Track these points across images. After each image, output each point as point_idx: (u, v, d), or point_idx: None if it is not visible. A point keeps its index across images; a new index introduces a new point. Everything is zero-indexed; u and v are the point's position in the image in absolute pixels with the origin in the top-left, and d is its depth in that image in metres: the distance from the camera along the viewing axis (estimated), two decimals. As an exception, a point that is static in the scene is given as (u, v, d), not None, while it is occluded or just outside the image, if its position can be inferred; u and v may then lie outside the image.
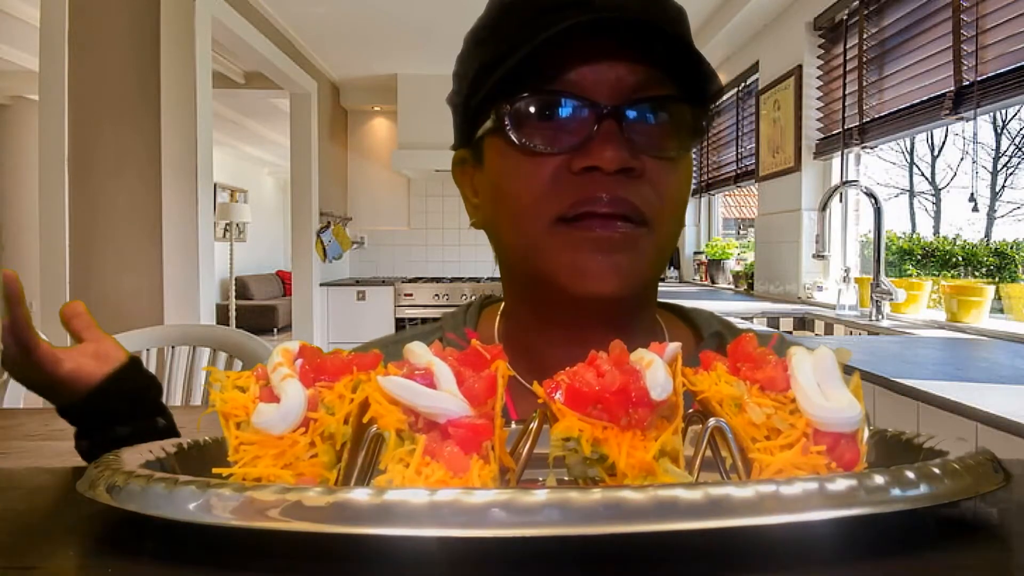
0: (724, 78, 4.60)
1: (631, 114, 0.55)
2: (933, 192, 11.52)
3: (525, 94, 0.56)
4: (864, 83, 2.94)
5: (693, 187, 5.28)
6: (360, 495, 0.31)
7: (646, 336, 0.64)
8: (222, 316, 7.31)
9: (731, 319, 0.78)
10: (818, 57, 3.37)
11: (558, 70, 0.55)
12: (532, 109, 0.56)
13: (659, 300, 0.71)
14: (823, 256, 2.61)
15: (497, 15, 0.60)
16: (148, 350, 1.86)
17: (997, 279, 3.33)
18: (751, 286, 3.99)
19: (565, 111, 0.55)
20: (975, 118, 2.29)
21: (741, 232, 8.09)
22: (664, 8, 0.59)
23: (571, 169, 0.55)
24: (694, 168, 5.18)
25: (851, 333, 2.58)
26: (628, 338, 0.48)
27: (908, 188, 11.65)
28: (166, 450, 0.44)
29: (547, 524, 0.30)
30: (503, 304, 0.70)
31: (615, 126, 0.54)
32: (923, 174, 11.58)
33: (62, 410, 0.70)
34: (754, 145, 4.00)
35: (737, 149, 4.39)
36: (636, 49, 0.55)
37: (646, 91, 0.55)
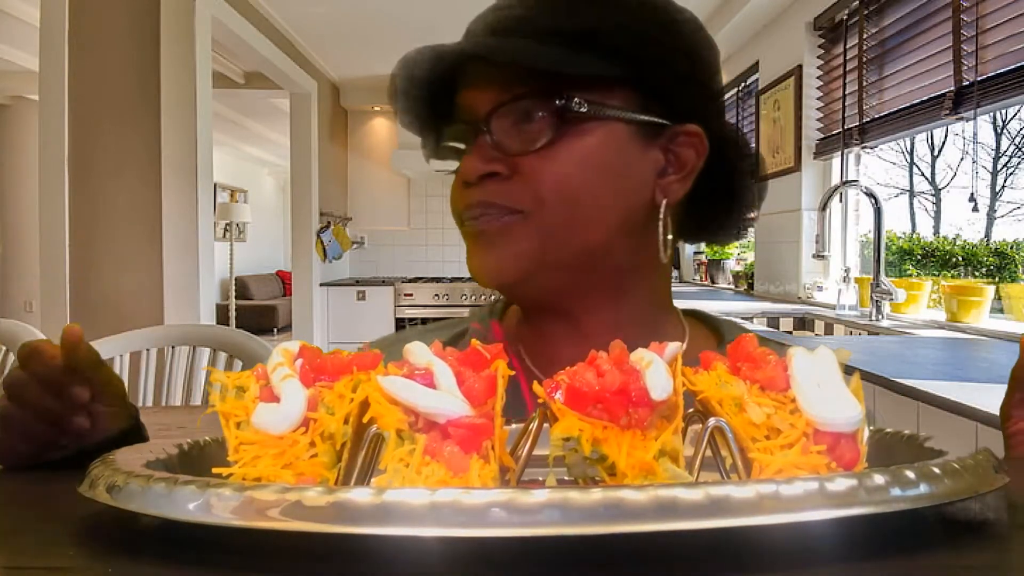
0: (724, 78, 4.60)
1: (494, 121, 0.59)
2: (933, 192, 11.52)
3: (429, 123, 0.66)
4: (864, 83, 2.94)
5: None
6: (360, 495, 0.31)
7: (655, 334, 0.62)
8: (222, 316, 7.31)
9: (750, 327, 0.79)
10: (818, 57, 3.37)
11: (460, 97, 0.63)
12: (442, 134, 0.66)
13: (686, 308, 0.73)
14: (823, 256, 2.60)
15: None
16: (148, 350, 1.86)
17: (997, 279, 3.33)
18: (751, 286, 3.99)
19: (459, 134, 0.63)
20: (975, 118, 2.29)
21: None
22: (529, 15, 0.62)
23: (458, 183, 0.63)
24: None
25: (851, 333, 2.58)
26: (628, 332, 0.53)
27: (908, 188, 11.64)
28: (166, 450, 0.44)
29: (547, 524, 0.30)
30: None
31: (484, 138, 0.60)
32: (923, 174, 11.58)
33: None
34: (754, 145, 4.00)
35: (737, 149, 4.38)
36: (502, 66, 0.60)
37: (505, 94, 0.60)
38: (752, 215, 0.69)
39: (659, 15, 0.62)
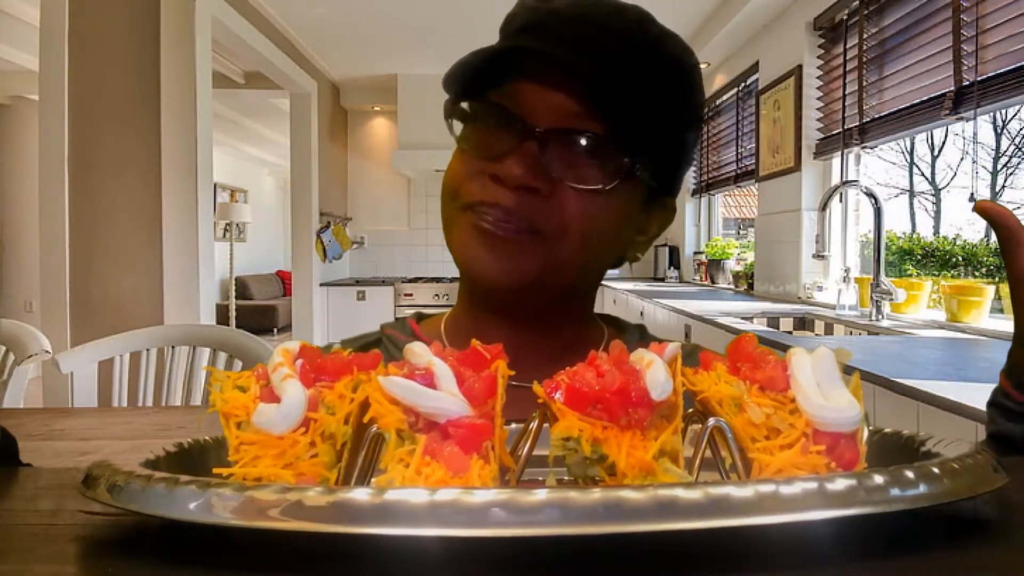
0: (724, 78, 4.60)
1: (554, 139, 0.59)
2: (933, 192, 11.52)
3: (466, 99, 0.63)
4: (864, 83, 2.94)
5: (693, 187, 5.28)
6: (360, 495, 0.31)
7: (575, 332, 0.71)
8: (222, 316, 7.31)
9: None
10: (818, 57, 3.37)
11: (508, 85, 0.61)
12: (472, 113, 0.63)
13: (602, 313, 0.79)
14: (823, 256, 2.61)
15: (511, 15, 0.66)
16: (148, 350, 1.86)
17: (997, 279, 3.32)
18: (751, 286, 3.99)
19: (498, 122, 0.61)
20: (975, 118, 2.29)
21: (741, 232, 8.10)
22: (617, 36, 0.61)
23: (483, 172, 0.61)
24: (693, 169, 5.23)
25: (851, 333, 2.58)
26: (554, 331, 0.68)
27: (908, 188, 11.64)
28: (166, 450, 0.44)
29: (547, 524, 0.30)
30: (457, 303, 0.76)
31: (535, 147, 0.59)
32: (923, 174, 11.57)
33: None
34: (754, 145, 4.00)
35: (737, 149, 4.39)
36: (580, 80, 0.59)
37: (578, 122, 0.60)
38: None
39: (696, 96, 0.67)
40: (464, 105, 0.64)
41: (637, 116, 0.60)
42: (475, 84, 0.62)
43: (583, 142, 0.60)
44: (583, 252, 0.63)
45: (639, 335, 0.76)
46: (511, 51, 0.60)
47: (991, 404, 0.59)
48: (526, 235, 0.60)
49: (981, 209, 0.56)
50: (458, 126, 0.65)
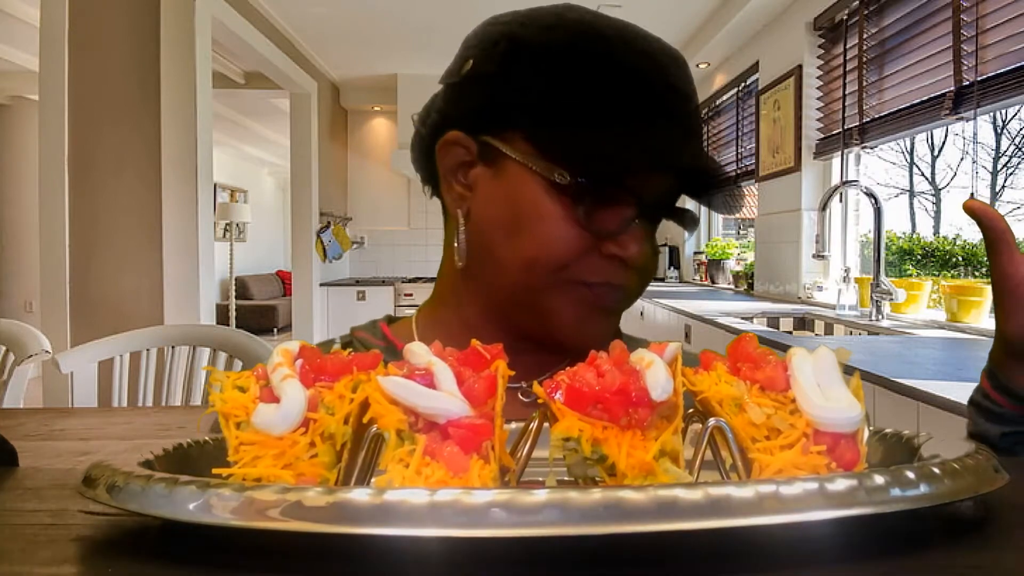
0: (724, 78, 4.60)
1: (657, 215, 0.62)
2: (933, 192, 11.51)
3: (605, 182, 0.58)
4: (864, 83, 2.94)
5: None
6: (360, 495, 0.31)
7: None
8: (222, 316, 7.31)
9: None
10: (818, 57, 3.37)
11: (655, 176, 0.60)
12: (601, 188, 0.58)
13: None
14: (823, 256, 2.60)
15: (590, 50, 0.59)
16: (148, 350, 1.86)
17: (997, 279, 3.32)
18: (751, 286, 3.99)
19: (618, 198, 0.59)
20: (975, 118, 2.29)
21: (741, 232, 8.09)
22: (696, 112, 0.65)
23: (599, 248, 0.59)
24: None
25: (851, 333, 2.58)
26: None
27: (908, 188, 11.64)
28: (166, 450, 0.44)
29: (547, 524, 0.30)
30: (429, 300, 0.72)
31: (647, 225, 0.61)
32: (923, 174, 11.56)
33: None
34: (754, 145, 4.00)
35: (737, 149, 4.39)
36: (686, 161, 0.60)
37: (672, 196, 0.63)
38: None
39: None
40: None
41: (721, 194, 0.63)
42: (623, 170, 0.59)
43: (673, 215, 0.64)
44: None
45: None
46: (692, 168, 0.59)
47: (971, 403, 0.59)
48: (623, 300, 0.64)
49: (969, 208, 0.56)
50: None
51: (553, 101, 0.58)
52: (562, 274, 0.59)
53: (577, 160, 0.57)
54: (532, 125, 0.59)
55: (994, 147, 10.23)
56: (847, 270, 2.87)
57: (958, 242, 3.73)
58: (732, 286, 4.43)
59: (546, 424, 0.40)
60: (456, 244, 0.64)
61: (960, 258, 3.53)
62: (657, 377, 0.37)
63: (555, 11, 0.62)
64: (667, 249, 5.50)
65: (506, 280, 0.61)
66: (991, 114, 3.59)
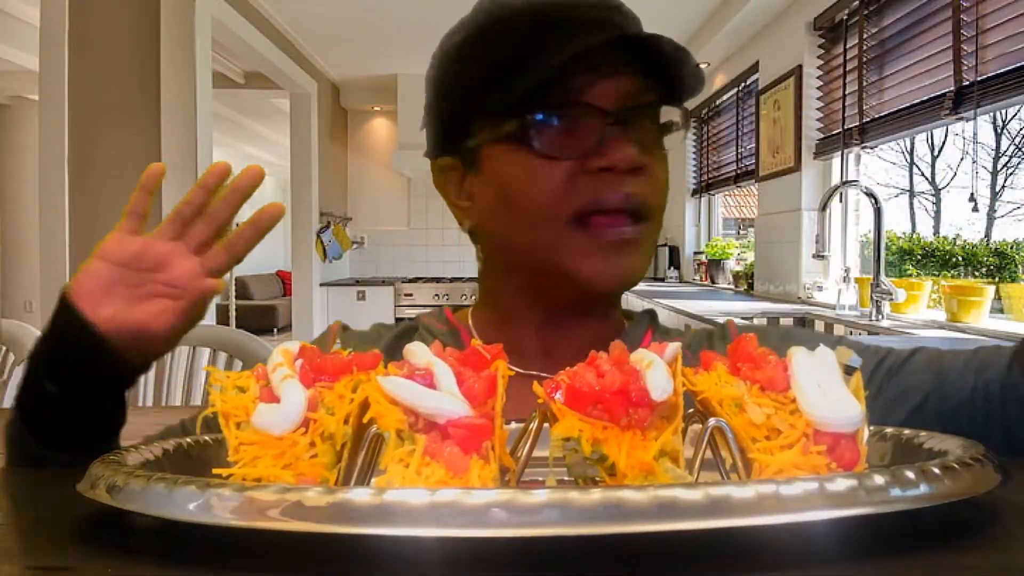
0: (724, 78, 4.60)
1: (629, 118, 0.61)
2: (933, 192, 11.51)
3: (544, 105, 0.61)
4: (864, 83, 2.94)
5: (693, 187, 5.28)
6: (360, 495, 0.31)
7: (611, 320, 0.73)
8: (222, 316, 7.29)
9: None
10: (818, 57, 3.37)
11: (567, 82, 0.60)
12: (552, 118, 0.61)
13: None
14: (823, 256, 2.60)
15: (492, 30, 0.65)
16: (148, 350, 1.85)
17: (997, 279, 3.32)
18: (751, 286, 3.99)
19: (578, 119, 0.61)
20: (975, 118, 2.29)
21: (741, 232, 8.10)
22: (619, 7, 0.66)
23: (586, 170, 0.60)
24: (693, 169, 5.24)
25: (851, 333, 2.58)
26: (601, 322, 0.70)
27: (908, 188, 11.63)
28: (166, 450, 0.44)
29: (547, 524, 0.30)
30: (476, 300, 0.76)
31: (622, 130, 0.60)
32: (923, 174, 11.56)
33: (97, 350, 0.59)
34: (754, 145, 4.00)
35: (737, 149, 4.39)
36: (632, 61, 0.62)
37: (641, 97, 0.63)
38: None
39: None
40: (528, 115, 0.61)
41: (682, 70, 0.62)
42: (535, 90, 0.59)
43: (653, 113, 0.63)
44: (660, 225, 0.66)
45: (649, 320, 0.76)
46: (575, 50, 0.58)
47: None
48: (637, 226, 0.62)
49: None
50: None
51: (481, 79, 0.63)
52: (567, 213, 0.61)
53: (514, 101, 0.60)
54: (477, 109, 0.64)
55: (994, 147, 10.23)
56: (847, 270, 2.86)
57: (958, 242, 3.73)
58: (732, 286, 4.43)
59: (546, 424, 0.40)
60: (478, 247, 0.71)
61: (960, 258, 3.53)
62: (657, 377, 0.37)
63: (473, 9, 0.67)
64: (667, 249, 5.51)
65: (524, 249, 0.65)
66: (991, 114, 3.60)
